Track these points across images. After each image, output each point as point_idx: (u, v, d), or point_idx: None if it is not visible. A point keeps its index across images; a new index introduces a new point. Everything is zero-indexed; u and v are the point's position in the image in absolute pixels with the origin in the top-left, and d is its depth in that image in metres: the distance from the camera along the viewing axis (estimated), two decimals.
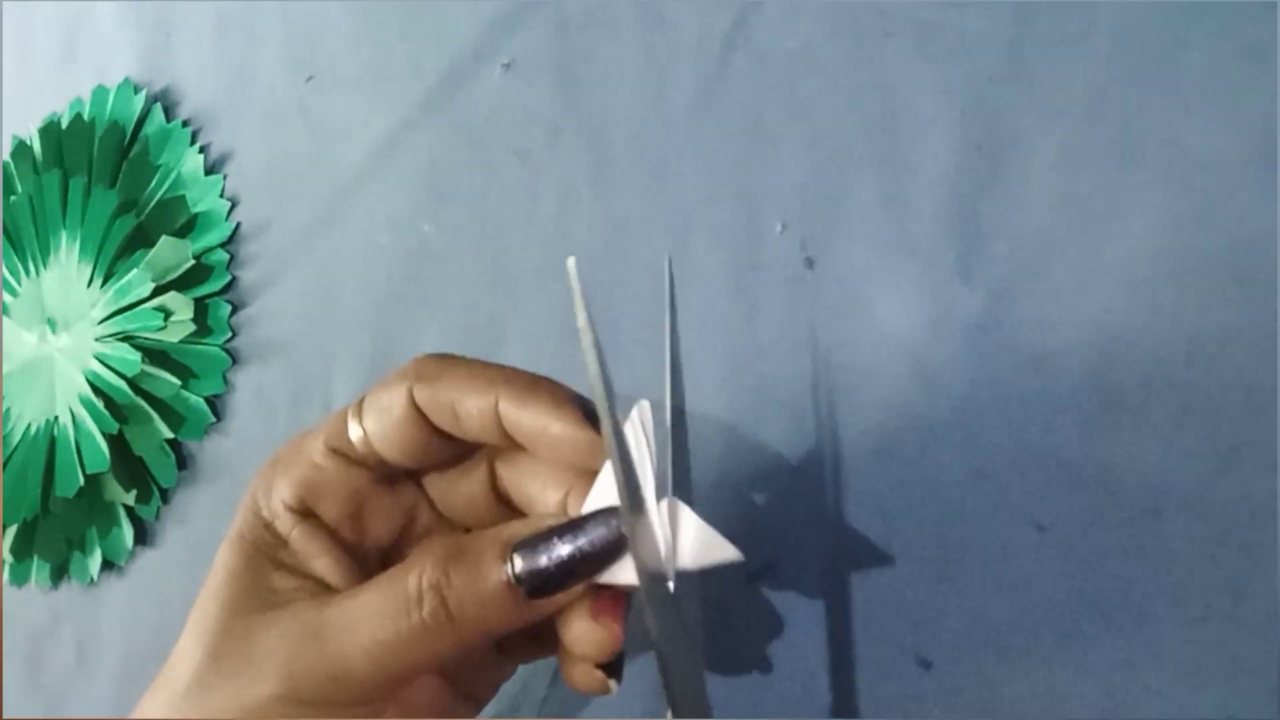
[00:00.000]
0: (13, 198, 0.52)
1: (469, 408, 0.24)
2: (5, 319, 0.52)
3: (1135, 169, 0.28)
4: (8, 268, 0.52)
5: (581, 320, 0.21)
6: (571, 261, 0.21)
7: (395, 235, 0.41)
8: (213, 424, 0.45)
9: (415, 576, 0.23)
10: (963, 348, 0.29)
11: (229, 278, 0.45)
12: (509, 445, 0.25)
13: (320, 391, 0.42)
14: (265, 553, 0.26)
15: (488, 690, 0.29)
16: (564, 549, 0.23)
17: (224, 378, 0.45)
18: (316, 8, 0.44)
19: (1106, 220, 0.28)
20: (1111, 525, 0.27)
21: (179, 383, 0.45)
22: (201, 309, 0.45)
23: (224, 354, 0.45)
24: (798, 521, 0.31)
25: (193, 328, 0.45)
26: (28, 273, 0.51)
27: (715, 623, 0.32)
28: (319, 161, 0.43)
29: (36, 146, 0.52)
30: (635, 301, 0.35)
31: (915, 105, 0.31)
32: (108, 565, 0.47)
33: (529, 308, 0.37)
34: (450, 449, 0.26)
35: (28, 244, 0.51)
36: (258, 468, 0.27)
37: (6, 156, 0.54)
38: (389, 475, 0.27)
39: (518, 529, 0.24)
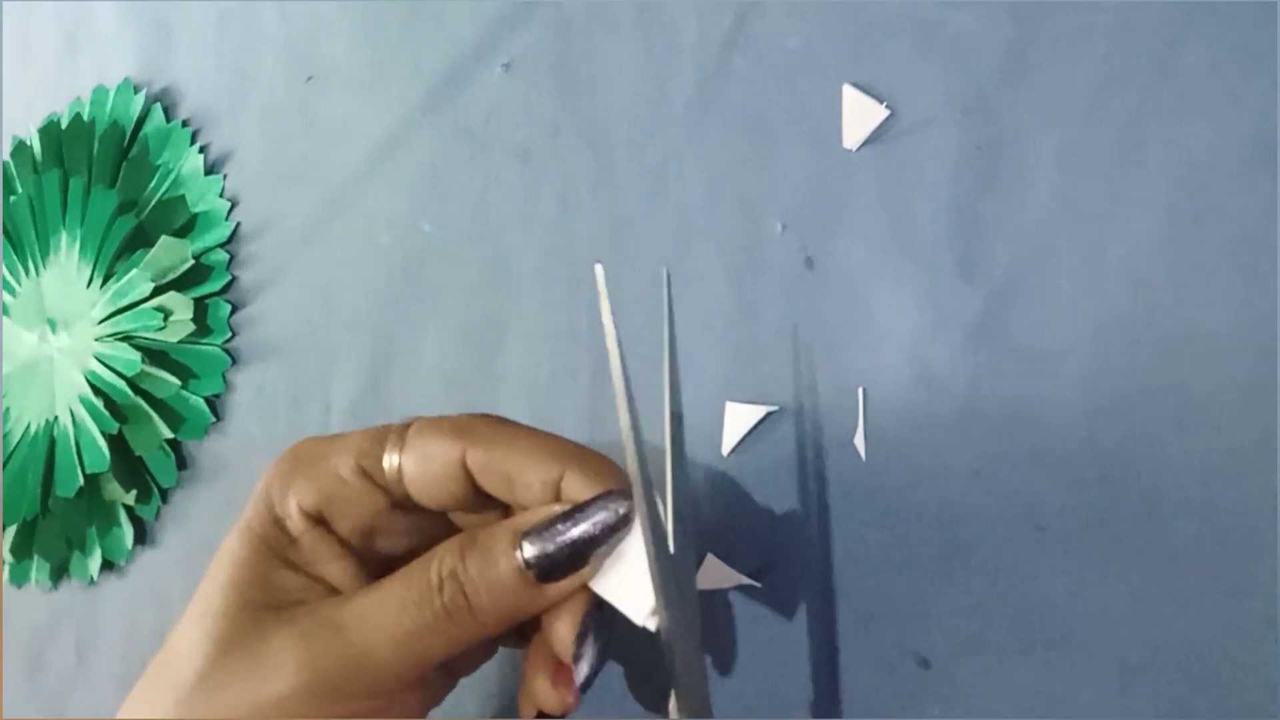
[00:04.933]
0: (13, 198, 0.52)
1: (530, 480, 0.25)
2: (5, 319, 0.52)
3: (1135, 169, 0.28)
4: (8, 268, 0.52)
5: (607, 321, 0.23)
6: (599, 268, 0.23)
7: (395, 235, 0.41)
8: (213, 424, 0.45)
9: (435, 566, 0.24)
10: (963, 348, 0.29)
11: (229, 278, 0.45)
12: None
13: (320, 391, 0.42)
14: (273, 548, 0.26)
15: (470, 668, 0.30)
16: (569, 533, 0.24)
17: (224, 378, 0.45)
18: (316, 8, 0.44)
19: (1106, 220, 0.28)
20: (1111, 525, 0.27)
21: (179, 383, 0.45)
22: (201, 309, 0.45)
23: (224, 354, 0.45)
24: (797, 521, 0.31)
25: (192, 328, 0.45)
26: (27, 272, 0.51)
27: (715, 622, 0.32)
28: (319, 161, 0.43)
29: (36, 146, 0.52)
30: (635, 302, 0.35)
31: (915, 105, 0.31)
32: (108, 565, 0.47)
33: (529, 308, 0.37)
34: (483, 502, 0.26)
35: (27, 244, 0.51)
36: (272, 459, 0.27)
37: (6, 156, 0.54)
38: (412, 505, 0.27)
39: (527, 518, 0.25)
